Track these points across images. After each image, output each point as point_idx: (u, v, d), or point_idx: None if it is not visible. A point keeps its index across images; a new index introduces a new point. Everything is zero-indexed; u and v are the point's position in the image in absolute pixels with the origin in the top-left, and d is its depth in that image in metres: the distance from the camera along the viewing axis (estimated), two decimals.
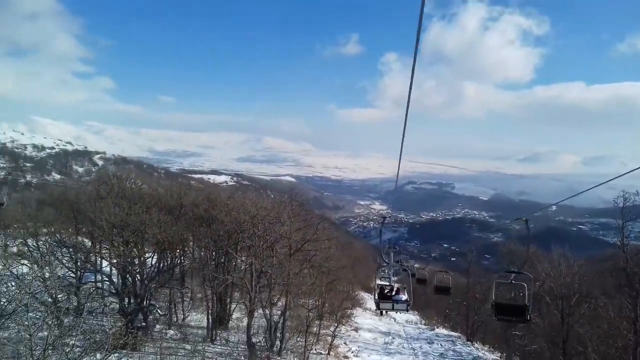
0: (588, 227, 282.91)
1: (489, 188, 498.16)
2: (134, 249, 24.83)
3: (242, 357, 25.40)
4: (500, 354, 39.77)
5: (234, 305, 31.69)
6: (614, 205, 24.81)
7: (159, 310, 27.00)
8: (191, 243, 31.73)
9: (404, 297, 20.38)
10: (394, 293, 20.94)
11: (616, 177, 8.71)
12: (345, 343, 33.80)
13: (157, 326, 29.03)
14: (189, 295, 33.94)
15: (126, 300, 25.05)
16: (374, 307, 56.05)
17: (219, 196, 32.71)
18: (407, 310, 20.85)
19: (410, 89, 6.72)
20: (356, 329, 40.08)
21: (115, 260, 25.02)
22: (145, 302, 24.94)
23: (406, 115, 7.48)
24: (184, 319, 31.20)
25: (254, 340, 27.57)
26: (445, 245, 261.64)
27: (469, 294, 44.70)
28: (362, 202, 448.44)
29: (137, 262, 25.39)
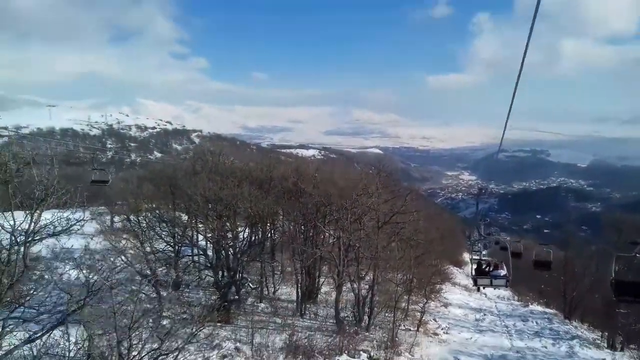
0: None
1: (588, 153, 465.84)
2: (227, 223, 25.53)
3: (331, 332, 25.55)
4: (601, 332, 37.30)
5: (323, 280, 31.82)
6: None
7: (250, 284, 27.73)
8: (281, 217, 32.24)
9: (503, 272, 19.59)
10: (491, 268, 20.23)
11: None
12: (434, 319, 33.02)
13: (249, 299, 29.89)
14: (280, 268, 34.58)
15: (220, 273, 25.95)
16: (463, 281, 55.05)
17: (307, 169, 32.70)
18: (507, 287, 20.57)
19: (526, 51, 6.20)
20: (446, 305, 39.05)
21: (209, 234, 25.83)
22: (237, 276, 25.62)
23: (518, 79, 6.94)
24: (274, 293, 31.88)
25: (342, 315, 27.66)
26: (538, 216, 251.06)
27: (566, 268, 41.91)
28: (450, 173, 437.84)
29: (230, 236, 26.14)
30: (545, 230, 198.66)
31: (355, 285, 26.81)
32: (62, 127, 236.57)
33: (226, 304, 24.23)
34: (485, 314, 38.57)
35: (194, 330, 13.31)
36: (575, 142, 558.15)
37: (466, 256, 72.77)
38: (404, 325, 29.64)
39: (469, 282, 55.92)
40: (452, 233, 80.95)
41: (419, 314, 30.49)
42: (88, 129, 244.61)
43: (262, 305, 29.48)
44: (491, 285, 19.67)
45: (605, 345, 32.58)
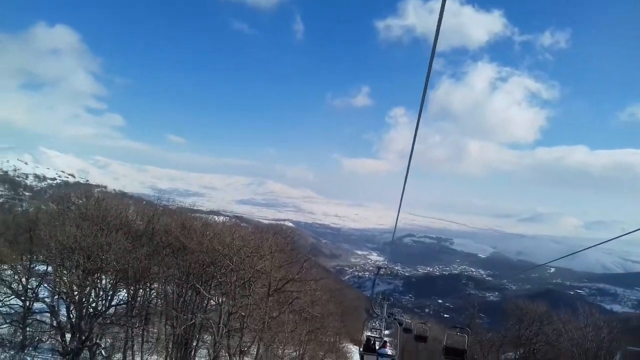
0: (585, 292, 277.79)
1: (488, 246, 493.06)
2: (89, 278, 21.44)
3: None
4: None
5: (202, 351, 27.85)
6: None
7: (102, 352, 23.15)
8: (159, 276, 28.14)
9: (390, 351, 19.68)
10: (380, 346, 20.13)
11: (607, 240, 9.38)
12: None
13: None
14: (155, 335, 30.15)
15: (69, 336, 21.47)
16: None
17: (194, 224, 29.02)
18: None
19: (413, 145, 6.64)
20: None
21: (64, 289, 21.51)
22: (90, 341, 21.25)
23: (407, 169, 7.57)
24: None
25: None
26: (440, 300, 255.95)
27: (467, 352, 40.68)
28: (359, 252, 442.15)
29: (92, 293, 22.02)
30: (445, 315, 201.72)
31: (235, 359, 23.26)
32: None
33: None
34: None
35: None
36: (478, 234, 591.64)
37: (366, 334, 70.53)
38: None
39: None
40: (355, 310, 79.22)
41: None
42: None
43: None
44: None
45: None
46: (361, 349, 20.07)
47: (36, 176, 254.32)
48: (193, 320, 23.09)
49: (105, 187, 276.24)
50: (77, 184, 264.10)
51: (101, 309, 21.86)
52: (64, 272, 21.15)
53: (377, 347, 20.00)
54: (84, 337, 20.83)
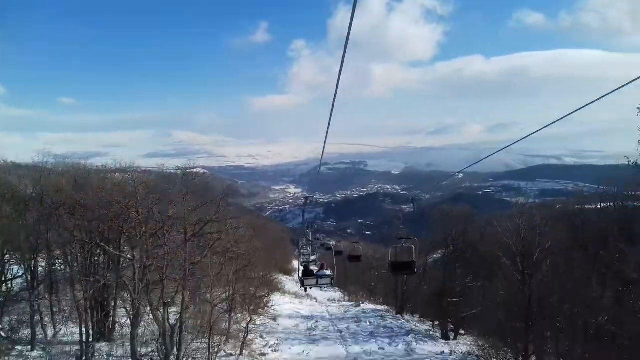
0: (492, 190, 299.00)
1: (400, 162, 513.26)
2: None
3: None
4: (432, 322, 37.01)
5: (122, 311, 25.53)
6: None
7: (1, 332, 20.28)
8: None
9: (328, 272, 20.48)
10: (317, 269, 20.97)
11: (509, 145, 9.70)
12: (261, 336, 28.86)
13: (18, 347, 22.60)
14: (66, 305, 27.27)
15: None
16: (293, 289, 52.54)
17: (89, 177, 25.49)
18: (332, 284, 21.21)
19: (339, 79, 6.17)
20: (275, 318, 35.24)
21: None
22: None
23: (333, 103, 7.25)
24: (55, 335, 24.68)
25: (145, 350, 22.06)
26: (360, 220, 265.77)
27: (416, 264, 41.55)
28: (277, 187, 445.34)
29: None
30: (367, 232, 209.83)
31: (159, 314, 21.25)
32: None
33: None
34: (317, 321, 35.91)
35: None
36: (389, 153, 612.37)
37: (296, 264, 71.49)
38: (224, 351, 24.86)
39: (299, 289, 53.71)
40: (281, 243, 79.66)
41: (242, 334, 25.94)
42: None
43: (35, 353, 22.26)
44: (317, 284, 20.34)
45: (439, 335, 31.81)
46: (300, 276, 20.48)
47: None
48: (103, 282, 20.62)
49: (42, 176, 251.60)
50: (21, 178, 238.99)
51: None
52: None
53: (315, 271, 20.65)
54: None
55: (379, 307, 44.70)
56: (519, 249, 21.50)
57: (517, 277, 21.62)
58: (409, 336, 30.19)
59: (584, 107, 6.64)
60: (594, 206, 27.66)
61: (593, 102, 6.50)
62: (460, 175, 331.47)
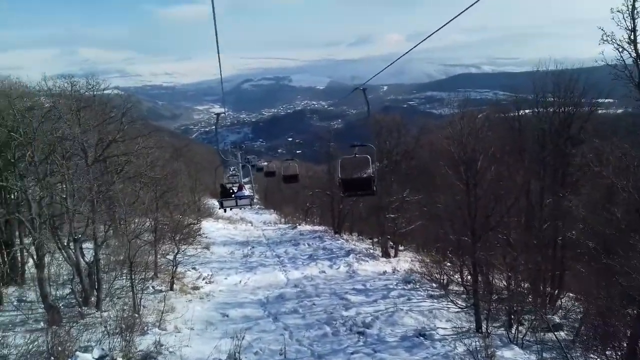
0: (416, 102, 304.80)
1: (324, 76, 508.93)
2: None
3: (42, 323, 17.52)
4: (370, 240, 36.66)
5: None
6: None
7: None
8: None
9: (247, 192, 19.63)
10: (237, 190, 19.76)
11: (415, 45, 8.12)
12: (194, 268, 27.01)
13: None
14: None
15: None
16: (227, 214, 50.78)
17: None
18: (251, 205, 20.75)
19: None
20: (208, 247, 33.30)
21: None
22: None
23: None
24: None
25: (61, 293, 19.82)
26: (290, 139, 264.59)
27: (331, 183, 40.32)
28: (200, 107, 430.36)
29: None
30: (298, 151, 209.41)
31: (71, 252, 18.85)
32: None
33: None
34: (253, 247, 34.34)
35: None
36: (313, 67, 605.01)
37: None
38: (152, 287, 22.89)
39: (233, 213, 52.04)
40: (210, 165, 76.83)
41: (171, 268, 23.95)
42: None
43: None
44: (237, 205, 19.35)
45: (380, 254, 31.28)
46: (219, 198, 19.30)
47: None
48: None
49: None
50: None
51: None
52: None
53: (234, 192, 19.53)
54: None
55: (317, 227, 43.88)
56: (462, 156, 20.15)
57: (461, 187, 20.47)
58: (350, 257, 29.34)
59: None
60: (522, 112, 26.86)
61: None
62: (385, 87, 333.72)
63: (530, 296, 20.77)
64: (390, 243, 32.64)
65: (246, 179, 22.35)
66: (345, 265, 27.43)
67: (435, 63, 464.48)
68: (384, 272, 26.10)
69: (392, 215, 31.24)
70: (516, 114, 26.23)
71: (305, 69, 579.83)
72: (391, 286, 23.45)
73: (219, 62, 9.94)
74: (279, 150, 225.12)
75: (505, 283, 20.06)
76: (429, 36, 7.35)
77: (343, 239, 36.98)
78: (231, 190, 19.81)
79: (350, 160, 15.52)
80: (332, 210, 40.94)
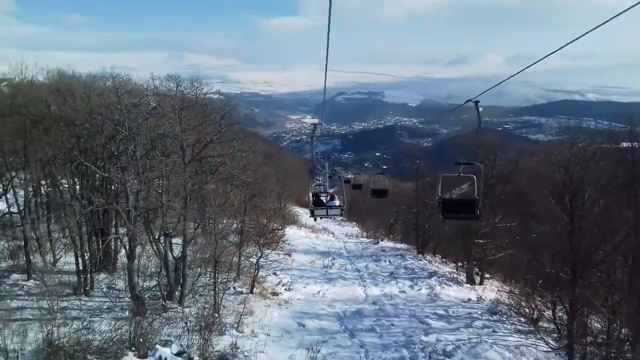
0: (512, 126, 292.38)
1: (418, 94, 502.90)
2: None
3: (128, 312, 18.09)
4: (455, 264, 34.98)
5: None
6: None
7: None
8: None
9: (338, 202, 19.64)
10: (328, 199, 20.02)
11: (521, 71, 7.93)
12: (274, 273, 27.07)
13: (15, 276, 21.20)
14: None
15: None
16: (310, 222, 50.92)
17: (73, 86, 22.35)
18: (341, 215, 20.74)
19: None
20: (289, 253, 33.37)
21: None
22: None
23: (329, 25, 6.63)
24: (54, 264, 23.14)
25: (148, 284, 20.48)
26: (377, 154, 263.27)
27: (418, 200, 39.14)
28: (293, 117, 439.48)
29: None
30: (384, 166, 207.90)
31: (161, 246, 19.43)
32: None
33: None
34: (334, 258, 33.98)
35: None
36: (407, 83, 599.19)
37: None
38: (233, 288, 23.14)
39: (316, 222, 52.06)
40: (298, 173, 77.71)
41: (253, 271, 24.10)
42: None
43: (31, 283, 20.78)
44: (327, 215, 19.51)
45: (464, 279, 29.73)
46: (311, 206, 19.39)
47: None
48: (90, 207, 18.54)
49: (12, 79, 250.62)
50: None
51: None
52: None
53: (325, 202, 19.79)
54: None
55: (399, 245, 42.73)
56: (568, 185, 18.52)
57: (564, 217, 18.79)
58: (432, 279, 28.18)
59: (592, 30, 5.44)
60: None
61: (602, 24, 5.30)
62: (480, 109, 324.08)
63: (630, 344, 18.64)
64: (476, 269, 30.93)
65: (331, 190, 22.13)
66: (427, 288, 26.35)
67: (535, 87, 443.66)
68: (468, 300, 24.73)
69: (480, 241, 29.57)
70: (629, 145, 23.90)
71: (399, 86, 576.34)
72: (475, 315, 22.18)
73: (325, 77, 10.24)
74: (366, 164, 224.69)
75: (604, 326, 18.15)
76: (537, 62, 7.55)
77: (426, 259, 35.69)
78: (321, 200, 19.84)
79: (452, 179, 14.45)
80: (416, 228, 39.72)
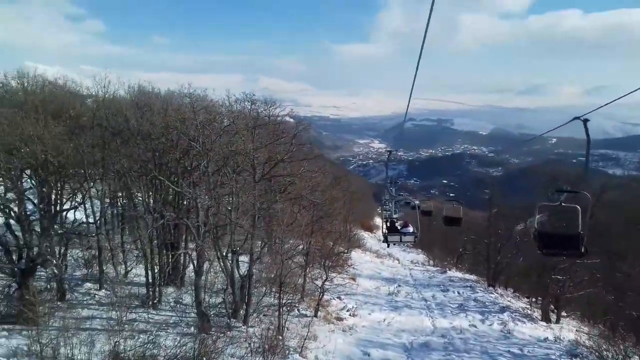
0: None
1: (488, 122, 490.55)
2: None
3: (193, 328, 18.05)
4: (528, 300, 32.89)
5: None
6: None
7: (54, 268, 19.01)
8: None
9: (411, 229, 19.09)
10: (401, 226, 19.42)
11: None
12: (339, 297, 26.44)
13: (87, 285, 21.84)
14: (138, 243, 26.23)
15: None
16: (375, 247, 50.00)
17: (151, 101, 22.73)
18: (415, 241, 19.74)
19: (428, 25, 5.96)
20: (354, 278, 32.63)
21: None
22: (42, 257, 17.00)
23: (420, 52, 6.64)
24: (125, 275, 23.68)
25: (214, 301, 20.47)
26: (444, 181, 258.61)
27: (489, 230, 37.40)
28: (361, 141, 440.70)
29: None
30: (451, 194, 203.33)
31: (228, 263, 19.40)
32: None
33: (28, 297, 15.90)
34: (400, 285, 32.89)
35: None
36: (477, 112, 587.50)
37: (378, 220, 68.90)
38: (298, 310, 22.74)
39: (381, 247, 51.03)
40: (363, 198, 77.24)
41: (317, 293, 23.62)
42: None
43: (102, 293, 21.30)
44: (401, 241, 19.25)
45: (539, 316, 27.80)
46: (384, 230, 18.89)
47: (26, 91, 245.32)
48: (162, 221, 18.80)
49: (97, 95, 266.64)
50: (76, 97, 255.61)
51: (50, 218, 17.48)
52: None
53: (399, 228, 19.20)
54: (32, 252, 16.66)
55: (468, 276, 40.90)
56: None
57: None
58: (504, 314, 26.53)
59: None
60: None
61: None
62: (554, 140, 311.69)
63: None
64: (552, 306, 28.89)
65: (395, 216, 21.45)
66: (500, 323, 24.77)
67: (614, 120, 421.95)
68: (545, 339, 22.93)
69: (558, 277, 27.59)
70: None
71: (468, 114, 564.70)
72: (553, 357, 20.45)
73: (408, 105, 10.29)
74: (432, 191, 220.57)
75: None
76: (623, 96, 7.42)
77: (497, 292, 33.77)
78: (395, 226, 19.41)
79: (551, 209, 13.52)
80: (487, 260, 37.81)
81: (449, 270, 42.22)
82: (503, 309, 27.70)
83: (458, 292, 31.68)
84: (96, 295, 21.07)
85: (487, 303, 29.23)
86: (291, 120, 28.13)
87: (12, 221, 16.98)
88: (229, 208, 18.62)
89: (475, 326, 24.19)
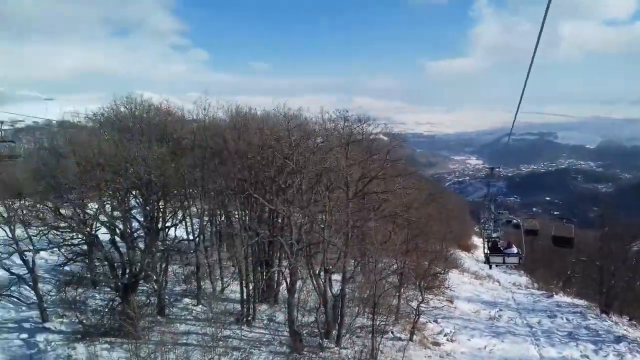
0: None
1: (596, 135, 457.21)
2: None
3: (285, 347, 17.93)
4: None
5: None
6: None
7: (155, 284, 19.71)
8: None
9: (515, 249, 18.65)
10: (504, 246, 18.92)
11: None
12: (435, 321, 25.24)
13: (186, 300, 22.58)
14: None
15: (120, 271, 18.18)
16: (473, 267, 47.61)
17: (247, 122, 23.19)
18: (520, 263, 19.52)
19: (539, 36, 6.17)
20: (451, 300, 31.09)
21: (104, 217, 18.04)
22: (144, 272, 17.76)
23: (531, 62, 6.75)
24: (222, 291, 24.21)
25: (306, 320, 20.25)
26: (548, 198, 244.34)
27: (602, 251, 34.26)
28: (456, 158, 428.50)
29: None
30: (555, 212, 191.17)
31: (322, 281, 19.15)
32: (59, 119, 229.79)
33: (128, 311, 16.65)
34: (501, 309, 30.85)
35: None
36: (583, 124, 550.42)
37: (476, 240, 66.01)
38: (392, 333, 21.94)
39: (480, 268, 48.56)
40: (460, 215, 74.33)
41: (413, 316, 22.66)
42: (85, 122, 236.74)
43: (199, 308, 21.86)
44: (504, 263, 19.04)
45: None
46: (486, 251, 18.92)
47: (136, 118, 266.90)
48: (256, 239, 18.97)
49: (199, 120, 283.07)
50: (178, 121, 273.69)
51: (154, 235, 18.28)
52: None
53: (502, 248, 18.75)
54: (135, 269, 17.47)
55: (577, 301, 37.61)
56: None
57: None
58: (621, 344, 23.95)
59: None
60: None
61: None
62: None
63: None
64: None
65: (496, 235, 20.14)
66: (615, 355, 22.57)
67: None
68: None
69: None
70: None
71: (573, 126, 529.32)
72: None
73: (514, 119, 10.75)
74: (534, 209, 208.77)
75: None
76: None
77: (611, 320, 30.63)
78: (498, 246, 18.89)
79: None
80: (600, 284, 34.45)
81: (556, 294, 39.10)
82: (619, 339, 25.07)
83: (567, 319, 29.13)
84: (193, 311, 21.67)
85: (600, 332, 26.63)
86: (384, 138, 27.59)
87: (117, 238, 17.92)
88: (322, 226, 18.43)
89: (587, 357, 22.14)
